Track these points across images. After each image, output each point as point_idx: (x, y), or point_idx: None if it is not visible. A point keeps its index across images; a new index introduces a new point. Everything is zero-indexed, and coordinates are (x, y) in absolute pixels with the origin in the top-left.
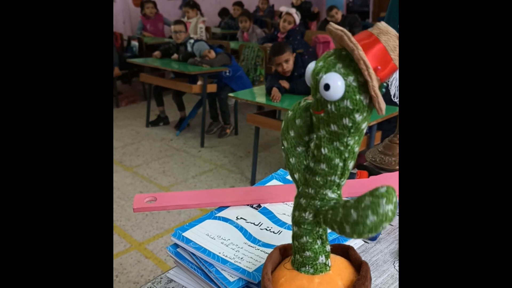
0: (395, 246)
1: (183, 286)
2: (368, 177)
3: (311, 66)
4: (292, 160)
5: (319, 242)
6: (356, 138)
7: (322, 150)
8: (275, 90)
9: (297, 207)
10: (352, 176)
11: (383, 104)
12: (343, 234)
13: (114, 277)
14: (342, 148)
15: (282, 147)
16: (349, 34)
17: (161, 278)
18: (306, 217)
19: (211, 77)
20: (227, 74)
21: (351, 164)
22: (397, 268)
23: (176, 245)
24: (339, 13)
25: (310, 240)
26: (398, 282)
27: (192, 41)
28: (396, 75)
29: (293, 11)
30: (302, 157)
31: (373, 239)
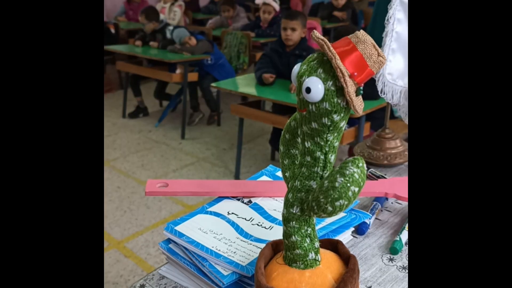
0: (383, 240)
1: (175, 282)
2: None
3: (296, 68)
4: (285, 161)
5: (308, 240)
6: (335, 134)
7: (306, 143)
8: (265, 76)
9: (286, 204)
10: None
11: (358, 106)
12: (321, 210)
13: None
14: (322, 143)
15: (280, 152)
16: (329, 44)
17: (153, 274)
18: (294, 212)
19: (192, 65)
20: (209, 62)
21: (332, 157)
22: (385, 261)
23: (168, 241)
24: None
25: (299, 239)
26: (386, 275)
27: (171, 27)
28: (382, 71)
29: (269, 0)
30: (294, 158)
31: (361, 233)
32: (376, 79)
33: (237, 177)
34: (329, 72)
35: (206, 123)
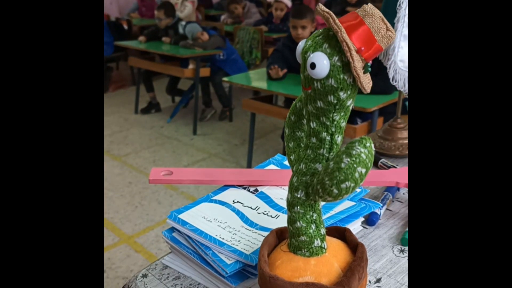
0: (394, 231)
1: (178, 272)
2: None
3: (301, 44)
4: (291, 144)
5: (313, 226)
6: (342, 114)
7: (311, 124)
8: (271, 72)
9: (290, 189)
10: None
11: (366, 84)
12: (326, 192)
13: None
14: (328, 123)
15: (285, 135)
16: (334, 16)
17: (156, 264)
18: (298, 197)
19: (204, 60)
20: (221, 57)
21: (338, 138)
22: (396, 253)
23: (171, 230)
24: None
25: (304, 225)
26: (396, 267)
27: (183, 23)
28: (394, 57)
29: None
30: (300, 141)
31: (372, 223)
32: (388, 66)
33: None
34: (335, 47)
35: (218, 118)
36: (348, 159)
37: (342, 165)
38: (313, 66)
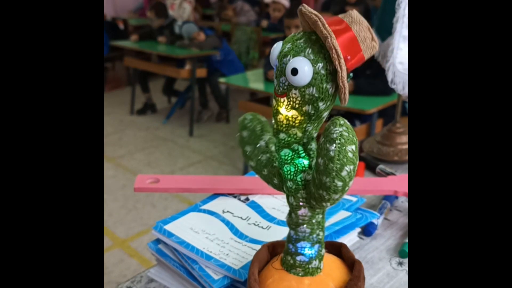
0: (392, 242)
1: (164, 286)
2: (366, 168)
3: (277, 46)
4: (265, 172)
5: (316, 247)
6: (315, 124)
7: (281, 135)
8: (270, 74)
9: (292, 209)
10: None
11: (347, 95)
12: (331, 191)
13: None
14: (300, 134)
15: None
16: (323, 20)
17: (141, 276)
18: (304, 215)
19: (200, 61)
20: (218, 57)
21: (313, 145)
22: (394, 266)
23: (157, 241)
24: None
25: (308, 245)
26: (394, 281)
27: (180, 22)
28: (392, 59)
29: None
30: (271, 162)
31: (368, 234)
32: (386, 68)
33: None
34: (320, 53)
35: (215, 120)
36: (334, 145)
37: (331, 153)
38: (294, 72)
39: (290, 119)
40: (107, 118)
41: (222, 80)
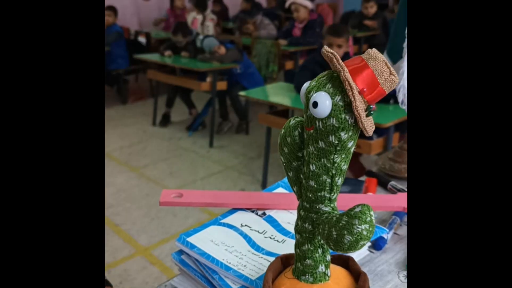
0: (400, 256)
1: None
2: (378, 184)
3: (305, 85)
4: (290, 174)
5: (320, 251)
6: (343, 156)
7: (311, 166)
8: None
9: (299, 217)
10: (360, 184)
11: (367, 125)
12: (331, 249)
13: (118, 284)
14: (329, 165)
15: (282, 162)
16: (338, 56)
17: (165, 285)
18: (306, 227)
19: (221, 74)
20: (238, 70)
21: (339, 180)
22: (402, 279)
23: (180, 252)
24: (374, 7)
25: (311, 248)
26: None
27: (201, 37)
28: (403, 82)
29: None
30: (298, 171)
31: (378, 248)
32: (397, 90)
33: (264, 186)
34: (338, 87)
35: (235, 131)
36: (350, 237)
37: (345, 241)
38: (315, 105)
39: (319, 149)
40: (132, 128)
41: (242, 93)
